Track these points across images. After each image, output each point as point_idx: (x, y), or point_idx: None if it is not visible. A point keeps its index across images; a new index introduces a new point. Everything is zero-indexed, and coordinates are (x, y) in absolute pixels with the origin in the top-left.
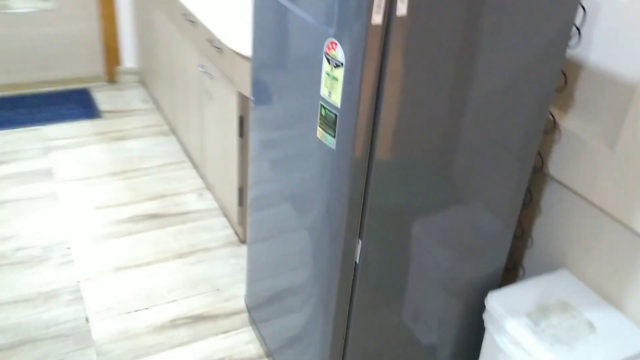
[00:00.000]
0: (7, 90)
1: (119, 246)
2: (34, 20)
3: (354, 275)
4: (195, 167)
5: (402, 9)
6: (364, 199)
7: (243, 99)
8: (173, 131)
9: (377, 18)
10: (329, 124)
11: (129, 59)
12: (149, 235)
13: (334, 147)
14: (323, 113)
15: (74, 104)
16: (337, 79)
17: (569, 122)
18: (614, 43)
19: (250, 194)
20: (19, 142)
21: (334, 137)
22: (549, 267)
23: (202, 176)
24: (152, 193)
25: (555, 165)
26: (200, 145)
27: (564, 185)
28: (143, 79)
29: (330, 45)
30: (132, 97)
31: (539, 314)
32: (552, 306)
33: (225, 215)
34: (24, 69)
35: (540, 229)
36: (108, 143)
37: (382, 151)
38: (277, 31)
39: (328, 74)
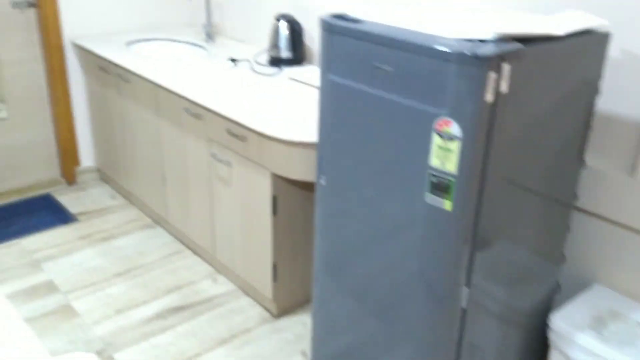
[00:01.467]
0: None
1: (160, 344)
2: None
3: (462, 321)
4: (198, 253)
5: (504, 87)
6: (473, 250)
7: (275, 179)
8: (159, 222)
9: (490, 97)
10: (443, 189)
11: (87, 157)
12: (184, 327)
13: (449, 208)
14: (435, 180)
15: (43, 211)
16: (451, 151)
17: (590, 159)
18: (620, 92)
19: (319, 260)
20: (3, 260)
21: (450, 200)
22: (580, 284)
23: (210, 261)
24: (167, 286)
25: (582, 197)
26: (209, 231)
27: (589, 213)
28: (105, 175)
29: (442, 123)
30: (98, 195)
31: (598, 325)
32: (606, 316)
33: (250, 294)
34: None
35: (570, 253)
36: (97, 245)
37: (490, 206)
38: (357, 113)
39: (440, 147)
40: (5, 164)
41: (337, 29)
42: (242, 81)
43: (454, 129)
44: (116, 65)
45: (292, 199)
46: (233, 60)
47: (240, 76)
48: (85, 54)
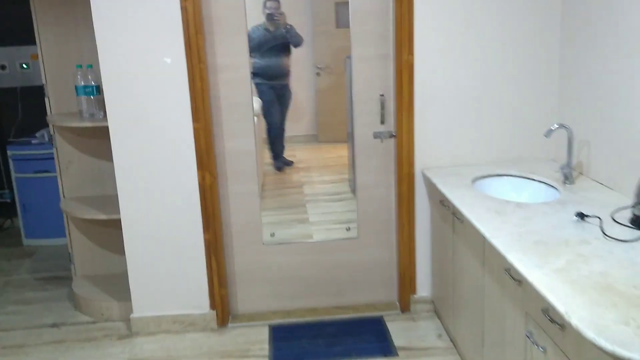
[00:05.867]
0: (305, 316)
1: None
2: (336, 248)
3: None
4: None
5: None
6: None
7: None
8: None
9: None
10: None
11: (423, 287)
12: None
13: None
14: None
15: (368, 336)
16: None
17: None
18: None
19: None
20: None
21: None
22: None
23: None
24: None
25: None
26: None
27: None
28: (437, 309)
29: None
30: (426, 330)
31: None
32: None
33: None
34: (321, 294)
35: None
36: None
37: None
38: None
39: None
40: (349, 279)
41: None
42: (582, 245)
43: None
44: (452, 203)
45: None
46: (580, 215)
47: (581, 237)
48: (431, 184)
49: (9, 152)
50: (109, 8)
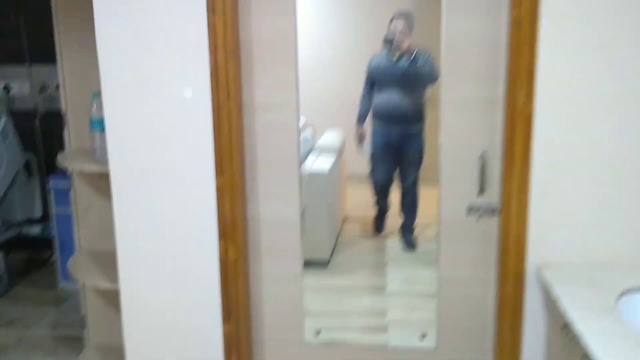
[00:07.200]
0: None
1: None
2: None
3: None
4: None
5: None
6: None
7: None
8: None
9: None
10: None
11: None
12: None
13: None
14: None
15: None
16: None
17: None
18: None
19: None
20: None
21: None
22: None
23: None
24: None
25: None
26: None
27: None
28: None
29: None
30: None
31: None
32: None
33: None
34: None
35: None
36: None
37: None
38: None
39: None
40: None
41: None
42: None
43: None
44: (586, 343)
45: None
46: None
47: None
48: (550, 295)
49: (50, 183)
50: (116, 24)
